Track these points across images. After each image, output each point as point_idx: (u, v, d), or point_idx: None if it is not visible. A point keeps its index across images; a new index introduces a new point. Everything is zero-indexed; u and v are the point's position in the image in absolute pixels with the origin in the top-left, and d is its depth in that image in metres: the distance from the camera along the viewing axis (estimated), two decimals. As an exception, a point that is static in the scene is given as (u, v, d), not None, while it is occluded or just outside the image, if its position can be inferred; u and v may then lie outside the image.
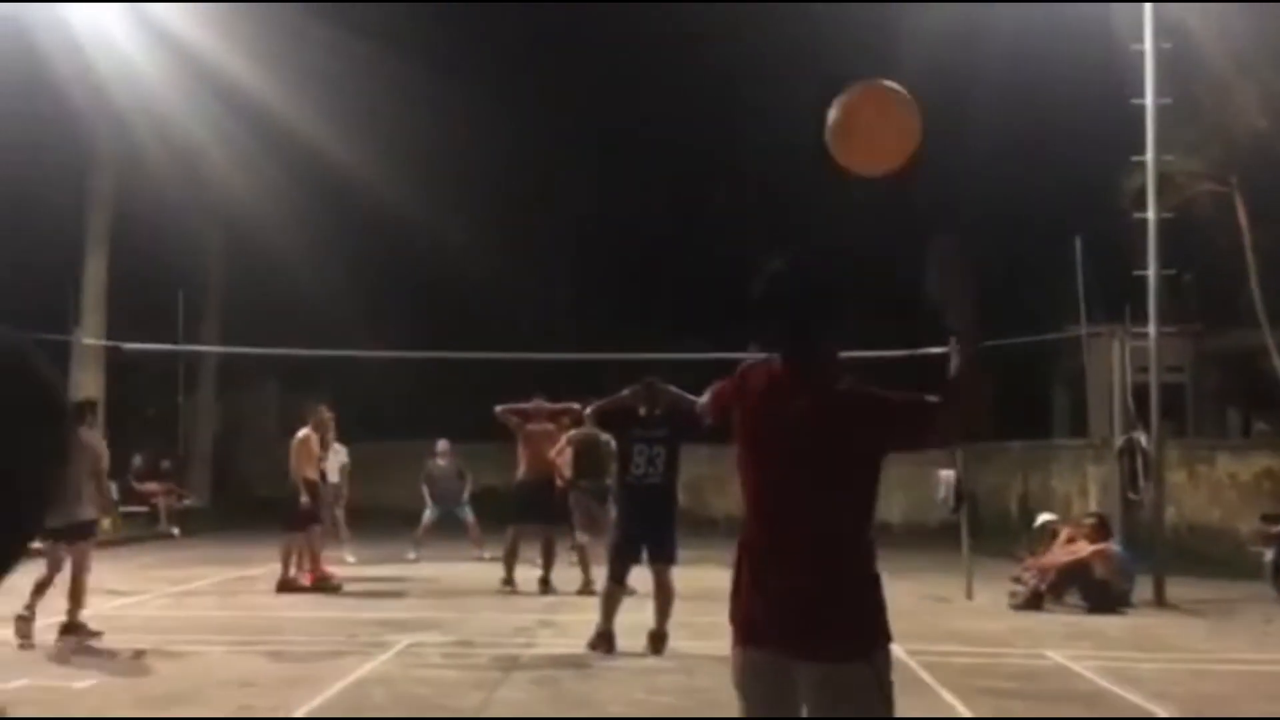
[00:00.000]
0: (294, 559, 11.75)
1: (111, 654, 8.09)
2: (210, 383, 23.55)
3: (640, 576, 8.64)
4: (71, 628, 8.48)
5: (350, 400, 15.83)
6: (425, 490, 15.27)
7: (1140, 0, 12.46)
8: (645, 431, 8.17)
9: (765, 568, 2.96)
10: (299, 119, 19.97)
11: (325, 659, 8.01)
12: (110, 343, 17.61)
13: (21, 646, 8.05)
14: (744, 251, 25.14)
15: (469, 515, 15.17)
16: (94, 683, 7.11)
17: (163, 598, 11.30)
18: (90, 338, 18.20)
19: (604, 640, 8.25)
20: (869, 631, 2.93)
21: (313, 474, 12.05)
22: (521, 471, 12.24)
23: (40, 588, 8.24)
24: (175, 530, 18.32)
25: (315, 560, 11.85)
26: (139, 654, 8.01)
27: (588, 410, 11.07)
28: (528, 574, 11.78)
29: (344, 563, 13.50)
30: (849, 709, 2.86)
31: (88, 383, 18.77)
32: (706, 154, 25.49)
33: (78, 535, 8.54)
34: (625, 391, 8.97)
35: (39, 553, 8.35)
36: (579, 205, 25.70)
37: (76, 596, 8.58)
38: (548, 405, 12.27)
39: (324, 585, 11.60)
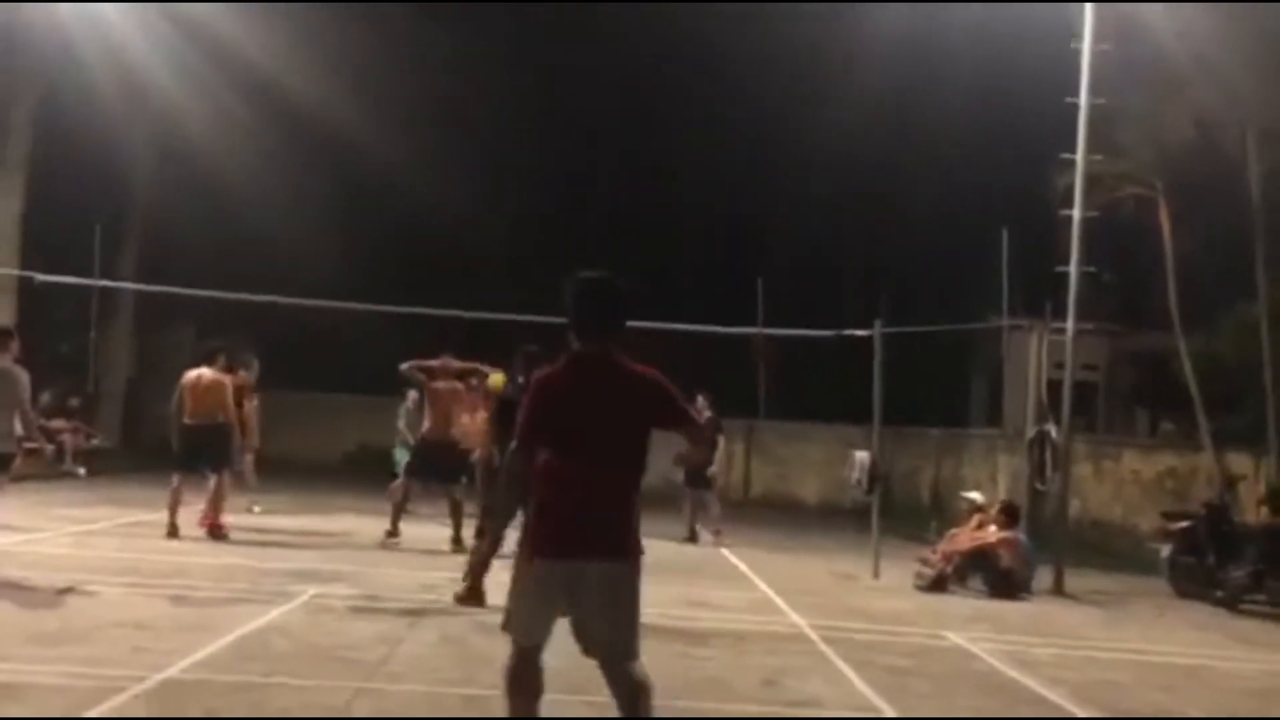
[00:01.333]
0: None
1: (3, 588, 7.87)
2: (126, 321, 22.96)
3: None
4: None
5: (268, 347, 15.54)
6: (405, 431, 14.98)
7: (1080, 0, 12.63)
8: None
9: (569, 502, 4.13)
10: (246, 46, 19.39)
11: (226, 605, 7.88)
12: (22, 272, 17.06)
13: None
14: (704, 222, 25.22)
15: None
16: (-17, 617, 6.93)
17: (63, 536, 11.03)
18: (2, 268, 17.64)
19: (475, 596, 8.32)
20: (632, 543, 4.22)
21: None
22: (426, 428, 12.15)
23: None
24: (81, 470, 17.86)
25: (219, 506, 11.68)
26: (48, 591, 7.80)
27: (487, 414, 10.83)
28: (419, 532, 11.71)
29: (250, 512, 13.29)
30: (622, 590, 4.20)
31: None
32: (681, 123, 25.35)
33: None
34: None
35: None
36: (536, 161, 25.34)
37: None
38: (455, 363, 12.14)
39: (218, 534, 11.45)
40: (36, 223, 18.72)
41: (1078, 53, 12.60)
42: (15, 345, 8.77)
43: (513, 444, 4.32)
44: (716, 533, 14.11)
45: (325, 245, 22.58)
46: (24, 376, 8.60)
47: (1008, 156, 19.83)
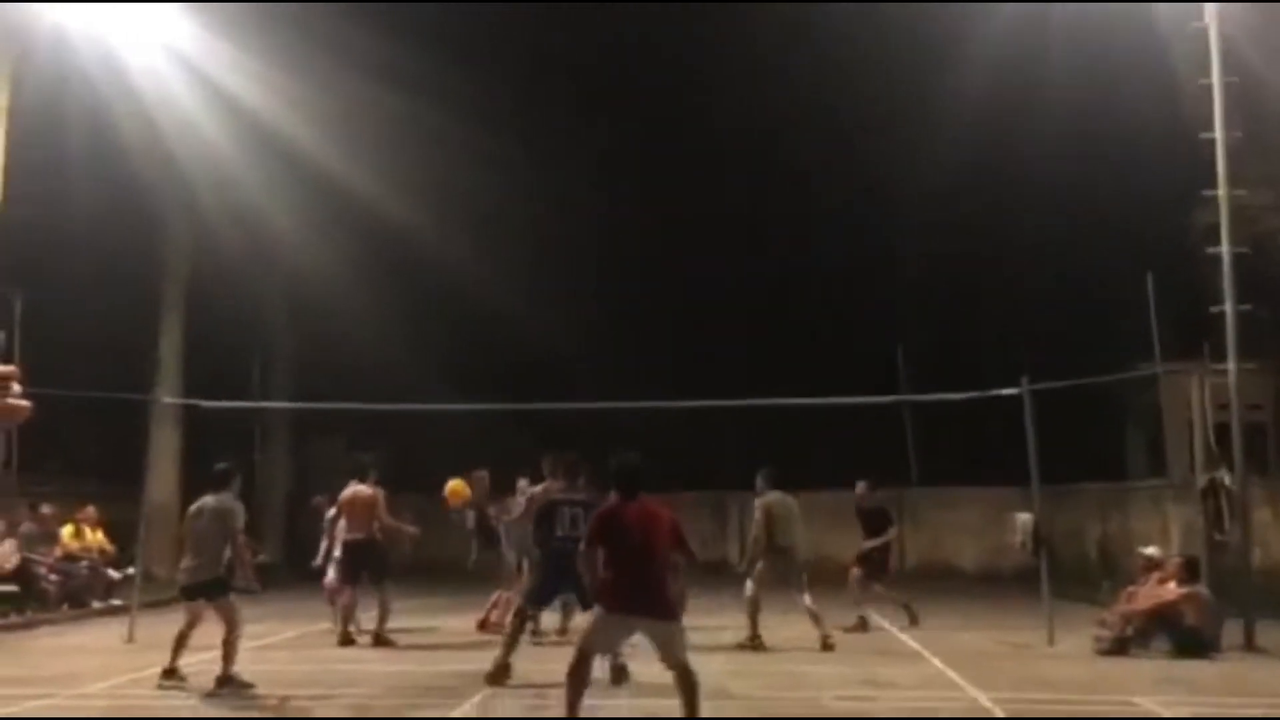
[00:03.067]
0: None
1: (209, 704, 8.20)
2: (283, 439, 23.89)
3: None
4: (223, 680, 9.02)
5: (412, 453, 15.97)
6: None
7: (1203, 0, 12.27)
8: (568, 496, 9.81)
9: (626, 587, 6.73)
10: (356, 181, 20.46)
11: (406, 712, 8.05)
12: (188, 400, 17.98)
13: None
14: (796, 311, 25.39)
15: None
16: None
17: (242, 652, 11.37)
18: (168, 398, 18.65)
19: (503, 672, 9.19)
20: (675, 610, 6.86)
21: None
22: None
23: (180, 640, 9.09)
24: (257, 585, 18.42)
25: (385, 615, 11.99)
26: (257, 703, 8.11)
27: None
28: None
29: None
30: (680, 639, 6.82)
31: (165, 440, 19.28)
32: (802, 191, 25.41)
33: (211, 592, 9.29)
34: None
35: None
36: (640, 261, 25.74)
37: (228, 651, 9.12)
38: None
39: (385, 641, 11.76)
40: (198, 355, 19.94)
41: (1198, 87, 12.30)
42: (237, 482, 9.64)
43: (583, 545, 7.27)
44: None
45: (454, 355, 23.22)
46: (240, 510, 9.46)
47: (1137, 199, 19.34)
